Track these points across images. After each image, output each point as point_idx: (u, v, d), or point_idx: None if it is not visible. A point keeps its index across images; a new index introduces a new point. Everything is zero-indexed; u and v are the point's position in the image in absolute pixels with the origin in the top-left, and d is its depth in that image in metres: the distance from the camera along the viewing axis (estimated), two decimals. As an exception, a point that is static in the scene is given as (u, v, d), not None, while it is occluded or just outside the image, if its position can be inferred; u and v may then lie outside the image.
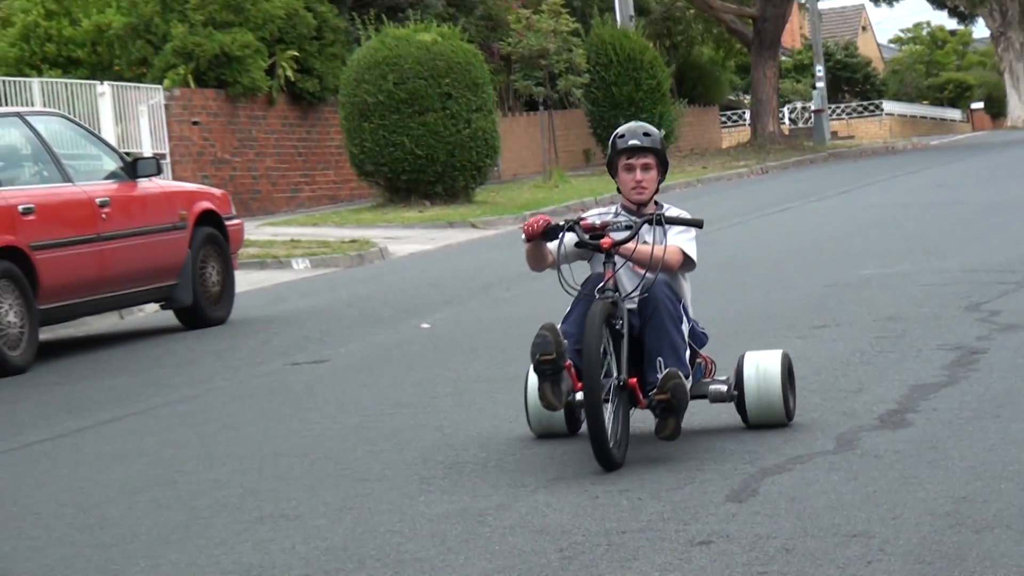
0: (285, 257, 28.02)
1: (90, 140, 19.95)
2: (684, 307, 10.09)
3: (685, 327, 9.91)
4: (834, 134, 69.30)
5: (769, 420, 10.33)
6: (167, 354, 18.20)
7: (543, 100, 46.39)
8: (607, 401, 9.30)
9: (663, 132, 10.92)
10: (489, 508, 9.12)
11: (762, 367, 10.24)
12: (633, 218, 10.13)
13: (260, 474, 11.19)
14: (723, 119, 72.22)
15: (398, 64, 35.36)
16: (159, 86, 36.33)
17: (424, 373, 14.64)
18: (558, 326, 9.35)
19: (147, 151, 33.11)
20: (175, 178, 30.93)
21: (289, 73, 38.43)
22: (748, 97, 63.99)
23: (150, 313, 21.03)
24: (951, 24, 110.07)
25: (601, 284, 9.68)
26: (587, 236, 9.90)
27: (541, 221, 9.84)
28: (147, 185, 19.38)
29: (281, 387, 14.99)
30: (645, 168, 10.09)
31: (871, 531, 8.09)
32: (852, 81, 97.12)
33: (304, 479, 10.95)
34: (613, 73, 45.82)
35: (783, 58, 75.70)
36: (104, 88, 34.65)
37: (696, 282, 19.58)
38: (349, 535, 9.11)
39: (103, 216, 18.42)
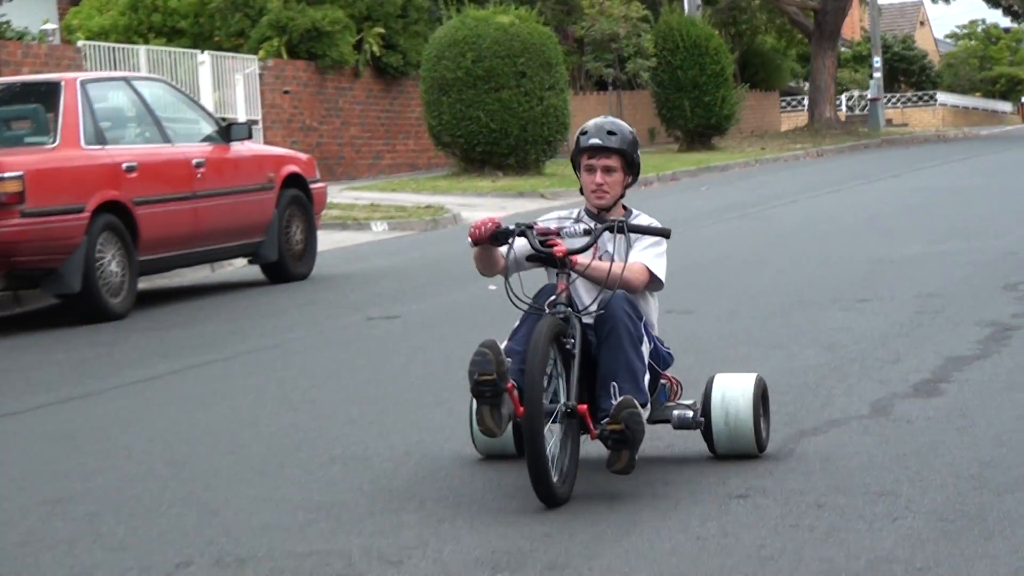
0: (365, 219, 28.08)
1: (189, 105, 20.08)
2: (647, 325, 8.37)
3: (646, 348, 8.22)
4: (888, 122, 68.96)
5: (738, 451, 8.66)
6: (252, 306, 18.31)
7: (612, 81, 46.44)
8: (559, 426, 7.95)
9: (633, 134, 8.71)
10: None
11: (731, 394, 8.53)
12: (593, 223, 8.52)
13: (333, 419, 11.26)
14: (783, 104, 71.94)
15: (476, 43, 35.36)
16: (254, 57, 36.38)
17: (489, 331, 14.67)
18: (503, 343, 8.03)
19: (241, 117, 33.23)
20: (266, 143, 30.96)
21: (375, 48, 38.44)
22: (807, 84, 63.65)
23: (238, 267, 21.13)
24: (1005, 22, 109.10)
25: (552, 297, 8.09)
26: (540, 242, 8.23)
27: (489, 224, 8.29)
28: (239, 148, 19.51)
29: (356, 340, 15.06)
30: (607, 170, 8.48)
31: (898, 490, 8.14)
32: (908, 72, 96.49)
33: (373, 425, 11.02)
34: (679, 58, 45.65)
35: (842, 49, 75.37)
36: (204, 57, 34.74)
37: (750, 256, 19.74)
38: (412, 477, 9.22)
39: (198, 176, 18.56)
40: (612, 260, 8.32)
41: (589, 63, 45.87)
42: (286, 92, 37.29)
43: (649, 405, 8.15)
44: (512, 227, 8.34)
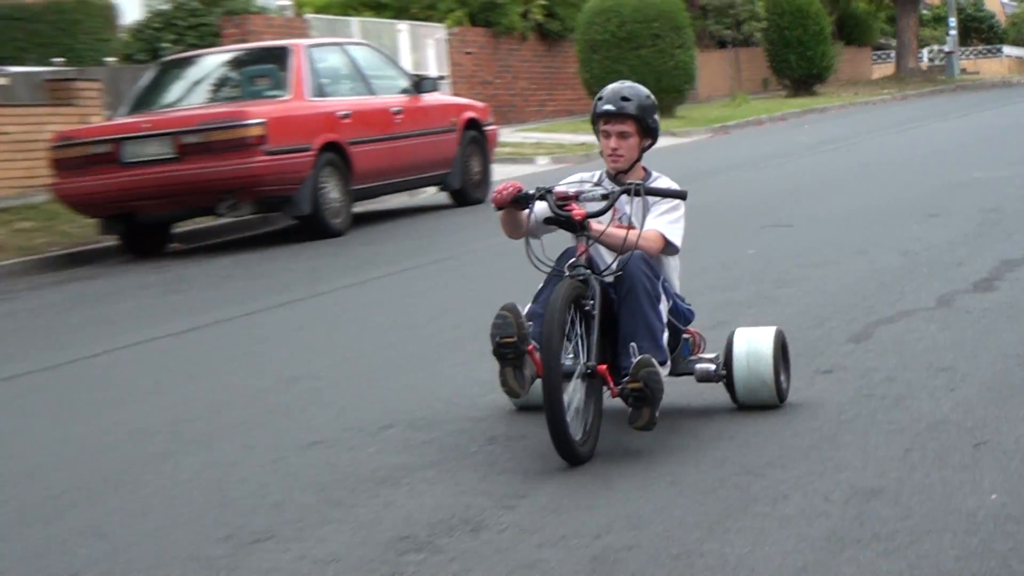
0: (531, 155, 28.23)
1: (389, 65, 20.30)
2: (665, 284, 7.10)
3: (664, 307, 6.99)
4: (963, 71, 67.78)
5: (759, 401, 7.42)
6: (440, 225, 18.48)
7: (731, 40, 46.14)
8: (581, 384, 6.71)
9: (651, 99, 7.30)
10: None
11: (753, 346, 7.30)
12: (612, 186, 7.24)
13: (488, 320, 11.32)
14: (874, 57, 70.81)
15: (619, 11, 35.27)
16: (443, 25, 36.52)
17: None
18: (528, 306, 6.97)
19: (432, 74, 33.36)
20: (453, 95, 31.02)
21: (538, 17, 38.47)
22: (894, 40, 62.65)
23: (430, 194, 21.28)
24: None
25: (572, 260, 6.88)
26: (558, 207, 6.96)
27: (510, 188, 7.06)
28: (428, 99, 19.70)
29: (521, 252, 15.09)
30: (622, 136, 7.16)
31: (956, 367, 8.16)
32: (979, 30, 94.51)
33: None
34: (786, 20, 45.28)
35: (923, 11, 74.10)
36: (402, 26, 34.92)
37: (840, 180, 19.60)
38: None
39: (397, 121, 18.77)
40: (630, 222, 7.15)
41: (711, 26, 45.63)
42: (468, 53, 37.39)
43: (670, 362, 7.02)
44: (532, 191, 7.06)
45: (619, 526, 5.91)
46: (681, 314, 7.26)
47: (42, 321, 13.62)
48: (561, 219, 6.99)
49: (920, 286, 10.78)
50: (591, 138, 30.56)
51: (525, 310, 6.80)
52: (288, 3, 37.53)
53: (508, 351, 6.40)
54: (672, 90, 35.57)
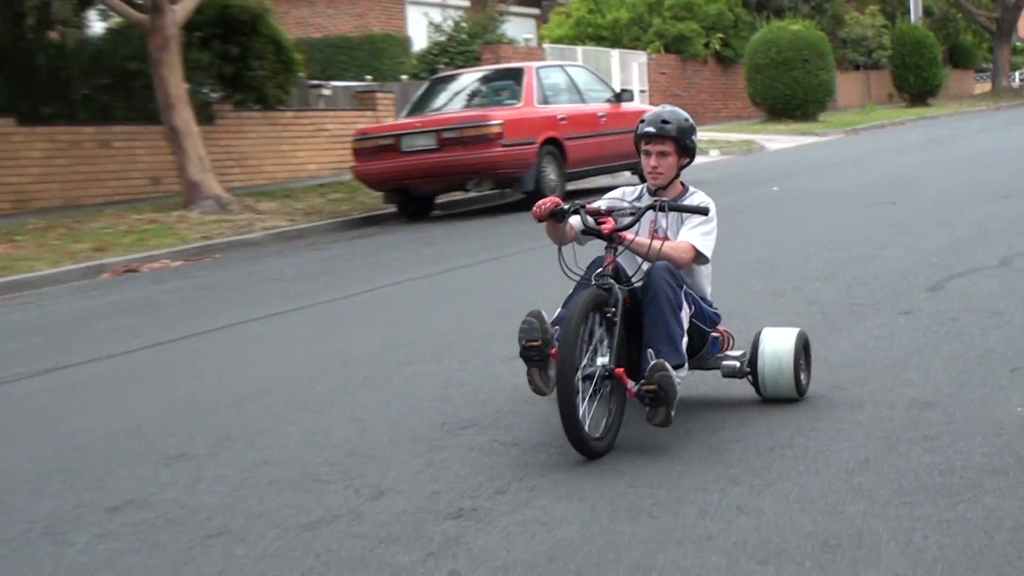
0: (705, 148, 27.74)
1: (598, 81, 20.13)
2: (689, 292, 5.99)
3: (685, 314, 5.86)
4: (1046, 89, 66.03)
5: (781, 395, 6.22)
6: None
7: (863, 64, 45.24)
8: (596, 390, 5.62)
9: (689, 122, 6.24)
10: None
11: (776, 347, 6.16)
12: (637, 204, 6.20)
13: None
14: (976, 77, 68.79)
15: (777, 42, 34.57)
16: (645, 52, 36.30)
17: (773, 217, 14.50)
18: (557, 310, 5.88)
19: (635, 89, 33.19)
20: (649, 104, 30.84)
21: (717, 46, 38.05)
22: (992, 64, 60.64)
23: (625, 177, 21.15)
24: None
25: (600, 270, 5.86)
26: (592, 221, 5.97)
27: (549, 203, 5.97)
28: (626, 106, 19.49)
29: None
30: (661, 155, 6.07)
31: (1006, 311, 7.94)
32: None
33: None
34: (907, 49, 44.02)
35: (1016, 43, 71.65)
36: (614, 53, 34.78)
37: (939, 169, 19.08)
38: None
39: (601, 122, 18.66)
40: (665, 234, 6.10)
41: (849, 53, 44.75)
42: (663, 73, 37.12)
43: (687, 364, 5.79)
44: (567, 207, 5.99)
45: (730, 423, 5.90)
46: (707, 317, 6.12)
47: (345, 263, 13.85)
48: (593, 231, 5.96)
49: (988, 251, 10.43)
50: (752, 136, 30.46)
51: (555, 314, 5.78)
52: (532, 36, 37.86)
53: (533, 353, 5.50)
54: (816, 101, 35.02)
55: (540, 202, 5.95)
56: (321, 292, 11.39)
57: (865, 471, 5.05)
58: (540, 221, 5.99)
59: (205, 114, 22.07)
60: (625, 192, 6.34)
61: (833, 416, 5.88)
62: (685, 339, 5.76)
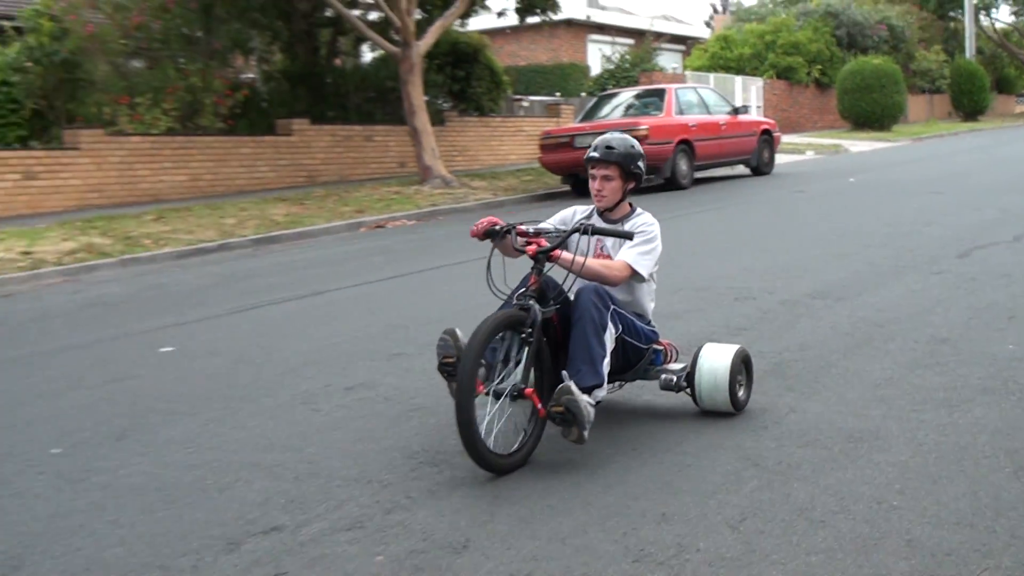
0: (803, 149, 26.78)
1: (721, 99, 19.56)
2: (618, 313, 4.48)
3: (610, 334, 4.38)
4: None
5: (718, 409, 4.69)
6: (742, 183, 17.89)
7: (928, 89, 43.12)
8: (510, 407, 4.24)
9: (636, 148, 4.73)
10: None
11: (714, 363, 4.68)
12: (561, 228, 4.62)
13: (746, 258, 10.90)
14: (1017, 100, 64.81)
15: (862, 72, 32.96)
16: (761, 79, 35.27)
17: (848, 199, 14.03)
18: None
19: (752, 106, 32.32)
20: (761, 116, 29.97)
21: (816, 75, 36.52)
22: (1031, 91, 57.42)
23: (739, 170, 20.69)
24: None
25: (523, 290, 4.40)
26: (522, 242, 4.51)
27: (484, 223, 4.59)
28: (741, 118, 18.91)
29: (782, 203, 14.53)
30: (605, 179, 4.69)
31: (1013, 274, 7.61)
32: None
33: (774, 255, 10.49)
34: (963, 79, 41.69)
35: (1051, 74, 67.59)
36: (738, 79, 33.77)
37: (981, 169, 18.15)
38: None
39: (722, 128, 18.20)
40: (608, 253, 4.69)
41: (918, 81, 42.67)
42: (774, 94, 36.00)
43: (604, 385, 4.28)
44: (500, 227, 4.54)
45: (792, 348, 5.72)
46: (641, 334, 4.64)
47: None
48: (520, 252, 4.50)
49: (1007, 230, 9.90)
50: (839, 141, 29.45)
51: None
52: (677, 65, 37.12)
53: (449, 368, 4.50)
54: (890, 116, 33.48)
55: (478, 222, 4.59)
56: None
57: (889, 386, 4.92)
58: (479, 238, 4.58)
59: (437, 118, 22.38)
60: (576, 211, 4.85)
61: (870, 345, 5.71)
62: (607, 360, 4.32)
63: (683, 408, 4.82)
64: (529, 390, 4.21)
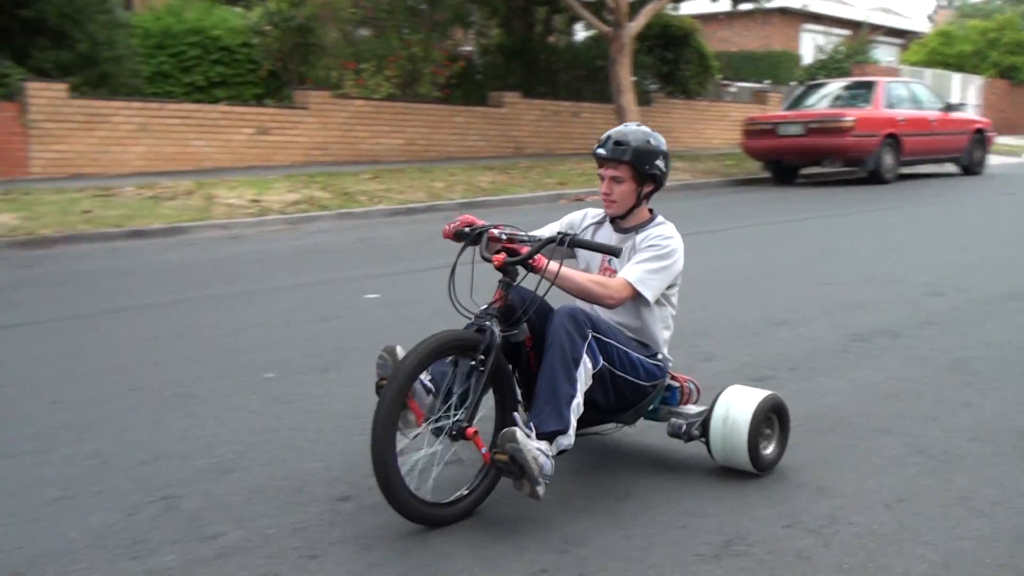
0: (1019, 152, 25.13)
1: (933, 95, 18.67)
2: (599, 343, 3.38)
3: (584, 369, 3.29)
4: None
5: (734, 466, 3.64)
6: (950, 182, 16.99)
7: None
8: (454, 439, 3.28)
9: (652, 144, 3.58)
10: None
11: (732, 412, 3.62)
12: (538, 237, 3.51)
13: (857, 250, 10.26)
14: None
15: None
16: (980, 77, 33.27)
17: (982, 193, 13.18)
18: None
19: (969, 104, 30.58)
20: (979, 115, 28.32)
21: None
22: None
23: (948, 168, 19.66)
24: None
25: (485, 308, 3.39)
26: (489, 249, 3.45)
27: (458, 222, 3.58)
28: (954, 115, 18.06)
29: (987, 204, 13.65)
30: (614, 180, 3.62)
31: None
32: None
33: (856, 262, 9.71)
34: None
35: None
36: (956, 76, 31.94)
37: None
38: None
39: (932, 125, 17.41)
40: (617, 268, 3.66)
41: None
42: (993, 94, 33.88)
43: (570, 432, 3.24)
44: (471, 229, 3.52)
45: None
46: (640, 369, 3.57)
47: (732, 206, 13.57)
48: (485, 259, 3.45)
49: None
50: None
51: None
52: (893, 59, 35.59)
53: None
54: None
55: (451, 221, 3.64)
56: (714, 223, 11.35)
57: (923, 357, 4.88)
58: (455, 240, 3.59)
59: (644, 99, 22.37)
60: (587, 214, 3.86)
61: (925, 325, 5.53)
62: (577, 400, 3.29)
63: (859, 385, 4.77)
64: (472, 429, 3.27)
